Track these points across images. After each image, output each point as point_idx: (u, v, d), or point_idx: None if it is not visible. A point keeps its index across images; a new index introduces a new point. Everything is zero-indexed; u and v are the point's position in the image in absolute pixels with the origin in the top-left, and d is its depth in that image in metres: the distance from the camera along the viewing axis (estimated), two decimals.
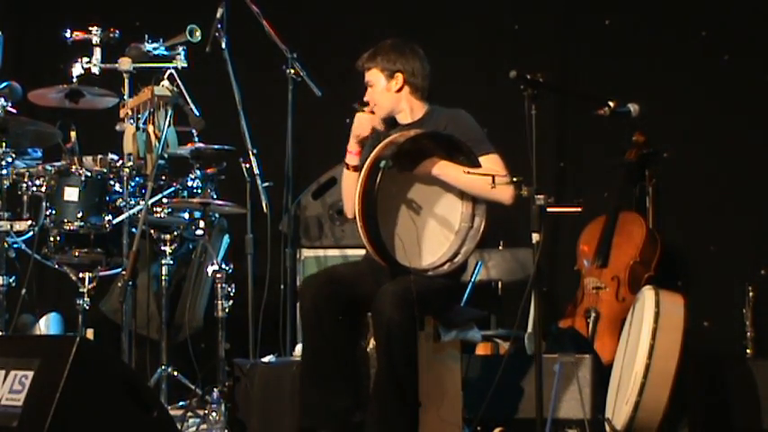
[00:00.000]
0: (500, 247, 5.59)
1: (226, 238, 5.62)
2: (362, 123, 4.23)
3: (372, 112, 4.24)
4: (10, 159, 5.19)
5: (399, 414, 3.97)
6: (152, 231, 5.36)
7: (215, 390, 4.76)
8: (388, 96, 4.30)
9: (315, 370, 4.11)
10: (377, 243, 3.96)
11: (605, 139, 5.67)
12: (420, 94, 4.32)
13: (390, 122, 4.33)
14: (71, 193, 5.13)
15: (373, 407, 4.02)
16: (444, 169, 4.10)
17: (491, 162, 4.13)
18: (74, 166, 5.17)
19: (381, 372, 3.99)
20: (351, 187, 4.18)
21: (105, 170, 5.20)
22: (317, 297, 4.05)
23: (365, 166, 3.98)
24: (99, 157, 5.24)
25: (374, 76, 4.32)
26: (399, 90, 4.29)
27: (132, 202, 5.09)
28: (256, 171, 5.04)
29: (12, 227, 5.14)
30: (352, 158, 4.26)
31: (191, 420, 4.86)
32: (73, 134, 5.31)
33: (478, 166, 4.08)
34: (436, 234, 4.14)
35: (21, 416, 3.46)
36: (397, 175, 4.02)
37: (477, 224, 4.15)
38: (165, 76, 4.90)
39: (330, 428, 4.09)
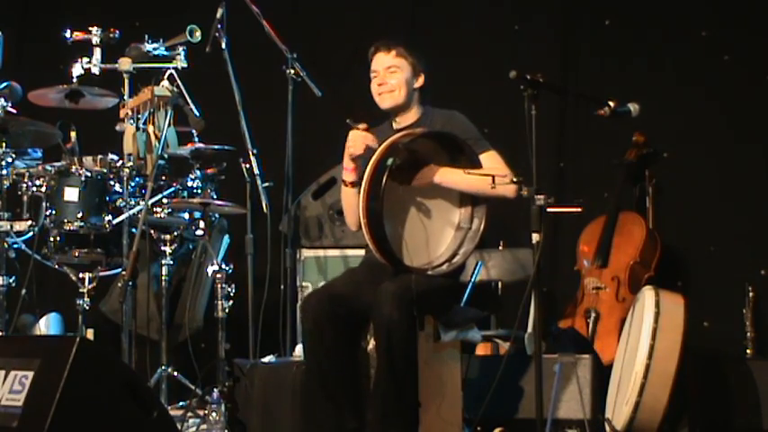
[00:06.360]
0: (500, 247, 5.58)
1: (226, 239, 5.62)
2: (356, 142, 4.12)
3: (367, 130, 4.14)
4: (10, 159, 5.20)
5: (399, 414, 3.96)
6: (152, 231, 5.36)
7: (215, 390, 4.76)
8: (407, 90, 4.26)
9: (319, 390, 4.09)
10: (382, 243, 3.94)
11: (605, 139, 5.68)
12: (424, 98, 4.31)
13: (385, 127, 4.29)
14: (71, 194, 5.13)
15: (373, 407, 4.02)
16: (445, 176, 4.08)
17: (491, 159, 4.13)
18: (74, 166, 5.18)
19: (381, 371, 3.98)
20: (351, 202, 4.14)
21: (105, 170, 5.20)
22: (318, 318, 4.01)
23: (369, 167, 3.93)
24: (99, 157, 5.24)
25: (402, 64, 4.25)
26: (418, 88, 4.27)
27: (132, 203, 5.09)
28: (256, 171, 5.03)
29: (12, 227, 5.15)
30: (348, 175, 4.19)
31: (191, 420, 4.86)
32: (73, 134, 5.31)
33: (479, 164, 4.07)
34: (436, 234, 4.13)
35: (21, 416, 3.46)
36: (397, 187, 3.99)
37: (476, 225, 4.14)
38: (165, 76, 4.91)
39: None
